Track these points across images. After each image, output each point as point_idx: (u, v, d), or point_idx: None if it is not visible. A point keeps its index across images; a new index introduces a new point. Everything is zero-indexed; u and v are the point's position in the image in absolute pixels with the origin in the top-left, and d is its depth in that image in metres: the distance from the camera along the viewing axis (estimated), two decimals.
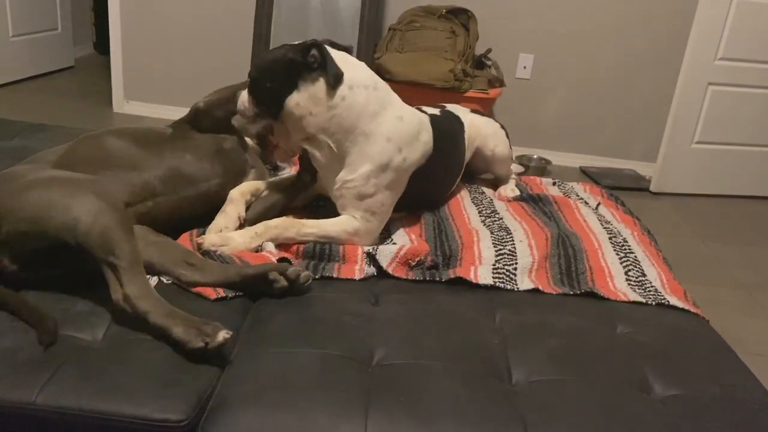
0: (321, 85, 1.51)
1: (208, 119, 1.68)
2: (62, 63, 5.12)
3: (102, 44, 5.49)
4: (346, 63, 1.56)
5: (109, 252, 1.20)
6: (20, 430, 1.07)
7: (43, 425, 1.05)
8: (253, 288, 1.37)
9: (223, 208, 1.61)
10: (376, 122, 1.56)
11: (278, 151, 1.75)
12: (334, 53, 1.55)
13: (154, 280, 1.36)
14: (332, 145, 1.57)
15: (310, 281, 1.39)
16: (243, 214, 1.63)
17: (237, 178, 1.69)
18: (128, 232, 1.23)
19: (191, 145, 1.62)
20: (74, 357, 1.12)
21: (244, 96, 1.59)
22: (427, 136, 1.68)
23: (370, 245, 1.60)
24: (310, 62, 1.50)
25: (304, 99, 1.52)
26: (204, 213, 1.61)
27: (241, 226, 1.60)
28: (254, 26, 3.59)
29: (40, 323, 1.17)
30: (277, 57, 1.54)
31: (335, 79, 1.51)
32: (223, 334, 1.13)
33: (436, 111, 1.92)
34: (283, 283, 1.35)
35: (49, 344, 1.14)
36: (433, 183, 1.81)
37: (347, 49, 1.66)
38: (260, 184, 1.70)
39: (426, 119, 1.73)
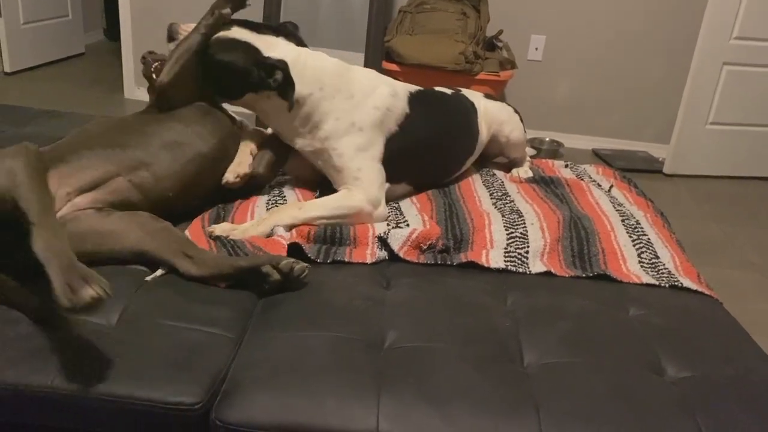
0: (274, 98, 1.61)
1: (180, 92, 1.60)
2: (73, 50, 5.13)
3: (112, 31, 5.50)
4: (295, 68, 1.59)
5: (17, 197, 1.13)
6: (38, 413, 1.08)
7: (60, 408, 1.07)
8: (248, 281, 1.35)
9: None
10: (325, 115, 1.64)
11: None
12: (288, 48, 1.63)
13: (159, 270, 1.37)
14: (278, 126, 1.70)
15: (306, 273, 1.35)
16: (255, 149, 1.71)
17: (235, 138, 1.70)
18: (33, 178, 1.17)
19: (176, 115, 1.59)
20: (89, 341, 1.13)
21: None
22: (388, 101, 1.70)
23: (374, 213, 1.63)
24: (270, 83, 1.58)
25: (260, 100, 1.63)
26: (214, 183, 1.62)
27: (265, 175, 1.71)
28: (264, 8, 3.58)
29: (24, 304, 1.18)
30: (241, 62, 1.59)
31: (290, 105, 1.60)
32: (90, 293, 1.00)
33: (446, 90, 1.96)
34: (276, 276, 1.32)
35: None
36: (430, 155, 1.83)
37: (299, 38, 1.71)
38: (263, 132, 1.80)
39: (400, 91, 1.76)
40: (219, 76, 1.62)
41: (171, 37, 1.67)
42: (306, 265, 1.36)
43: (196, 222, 1.56)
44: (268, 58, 1.58)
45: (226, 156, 1.65)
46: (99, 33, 5.83)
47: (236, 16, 1.65)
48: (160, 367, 1.10)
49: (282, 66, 1.57)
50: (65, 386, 1.05)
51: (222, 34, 1.61)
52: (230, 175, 1.64)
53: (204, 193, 1.62)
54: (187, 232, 1.49)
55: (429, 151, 1.81)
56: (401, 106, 1.73)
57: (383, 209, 1.67)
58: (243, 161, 1.67)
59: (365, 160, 1.65)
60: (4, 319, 1.17)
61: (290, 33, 1.70)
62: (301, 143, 1.69)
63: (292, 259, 1.34)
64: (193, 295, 1.30)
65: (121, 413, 1.06)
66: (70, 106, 3.69)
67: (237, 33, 1.62)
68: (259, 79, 1.58)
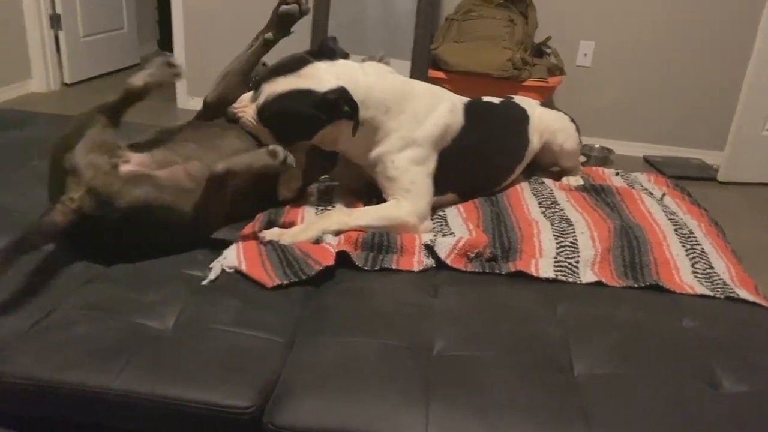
0: (341, 124, 1.59)
1: (218, 112, 1.69)
2: (129, 61, 5.30)
3: (165, 41, 5.65)
4: (357, 92, 1.57)
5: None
6: (95, 412, 1.12)
7: (116, 408, 1.10)
8: None
9: None
10: (390, 130, 1.64)
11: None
12: (340, 71, 1.58)
13: (218, 269, 1.40)
14: (346, 150, 1.69)
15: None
16: (303, 161, 1.73)
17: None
18: None
19: (221, 123, 1.68)
20: (147, 345, 1.17)
21: (249, 118, 1.60)
22: (448, 118, 1.70)
23: (419, 227, 1.64)
24: (339, 112, 1.55)
25: (326, 133, 1.62)
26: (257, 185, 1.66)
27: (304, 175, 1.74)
28: (313, 17, 3.63)
29: None
30: (302, 110, 1.55)
31: (356, 125, 1.56)
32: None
33: (495, 99, 1.94)
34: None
35: None
36: (478, 165, 1.82)
37: (341, 52, 1.69)
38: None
39: (457, 104, 1.76)
40: (288, 131, 1.60)
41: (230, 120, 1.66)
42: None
43: (248, 228, 1.59)
44: (324, 93, 1.54)
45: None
46: (153, 44, 6.01)
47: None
48: (213, 370, 1.13)
49: (342, 94, 1.54)
50: (123, 387, 1.09)
51: (268, 90, 1.57)
52: (285, 192, 1.69)
53: (248, 193, 1.65)
54: (239, 240, 1.53)
55: (477, 161, 1.82)
56: (458, 121, 1.74)
57: (429, 223, 1.69)
58: (293, 175, 1.71)
59: (419, 174, 1.66)
60: (65, 321, 1.23)
61: (331, 50, 1.65)
62: (361, 159, 1.70)
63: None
64: (245, 301, 1.33)
65: (176, 415, 1.09)
66: (127, 116, 3.81)
67: (280, 84, 1.56)
68: (326, 115, 1.56)
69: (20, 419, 1.17)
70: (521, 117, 1.96)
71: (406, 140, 1.65)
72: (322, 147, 1.69)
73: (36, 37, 4.36)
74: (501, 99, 1.98)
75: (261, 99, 1.58)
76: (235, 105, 1.62)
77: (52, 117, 2.39)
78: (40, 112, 2.53)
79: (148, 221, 1.41)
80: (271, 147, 1.43)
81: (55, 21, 4.45)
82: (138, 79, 1.49)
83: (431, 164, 1.69)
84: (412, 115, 1.65)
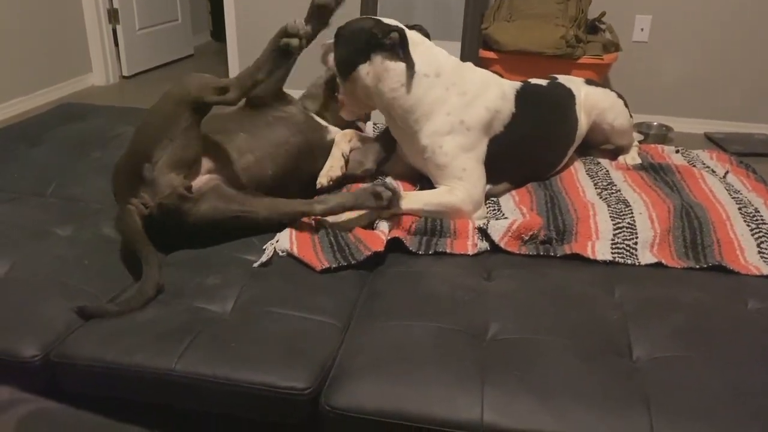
0: (390, 65, 1.60)
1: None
2: (183, 52, 5.41)
3: (218, 32, 5.74)
4: (416, 49, 1.61)
5: None
6: (158, 393, 1.16)
7: (179, 390, 1.14)
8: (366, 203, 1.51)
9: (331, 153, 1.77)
10: (437, 105, 1.62)
11: (345, 108, 1.80)
12: (410, 36, 1.62)
13: (270, 251, 1.44)
14: (397, 120, 1.66)
15: None
16: (347, 152, 1.77)
17: (318, 136, 1.78)
18: None
19: (269, 111, 1.74)
20: (207, 328, 1.21)
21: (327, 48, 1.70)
22: (498, 103, 1.68)
23: (473, 213, 1.62)
24: (386, 42, 1.58)
25: (373, 72, 1.62)
26: (303, 173, 1.71)
27: (347, 164, 1.76)
28: (360, 1, 3.63)
29: (149, 276, 1.31)
30: (362, 27, 1.63)
31: (409, 64, 1.59)
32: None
33: (541, 81, 1.90)
34: (388, 193, 1.49)
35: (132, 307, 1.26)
36: (531, 153, 1.79)
37: (426, 33, 1.74)
38: (356, 133, 1.83)
39: (508, 90, 1.73)
40: (341, 45, 1.65)
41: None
42: None
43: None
44: (386, 23, 1.62)
45: (311, 150, 1.73)
46: (206, 35, 6.12)
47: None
48: (271, 353, 1.15)
49: (398, 29, 1.60)
50: (184, 369, 1.13)
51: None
52: (323, 179, 1.69)
53: (296, 181, 1.68)
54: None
55: (530, 149, 1.77)
56: (509, 107, 1.70)
57: (483, 211, 1.66)
58: (335, 165, 1.72)
59: (470, 160, 1.64)
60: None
61: (420, 29, 1.73)
62: (407, 138, 1.68)
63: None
64: (301, 284, 1.35)
65: (235, 396, 1.12)
66: None
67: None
68: (376, 39, 1.59)
69: (87, 398, 1.22)
70: (568, 98, 1.91)
71: (454, 122, 1.62)
72: (366, 101, 1.70)
73: (95, 32, 4.50)
74: (547, 80, 1.93)
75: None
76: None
77: (112, 109, 2.46)
78: (101, 104, 2.61)
79: (218, 227, 1.46)
80: (378, 188, 1.49)
81: (113, 15, 4.58)
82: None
83: (481, 150, 1.66)
84: (461, 91, 1.63)
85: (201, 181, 1.48)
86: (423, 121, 1.63)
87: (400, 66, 1.59)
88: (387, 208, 1.52)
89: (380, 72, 1.61)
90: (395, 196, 1.51)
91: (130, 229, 1.41)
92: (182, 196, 1.41)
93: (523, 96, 1.74)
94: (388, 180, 1.52)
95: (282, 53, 1.44)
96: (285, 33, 1.43)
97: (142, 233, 1.39)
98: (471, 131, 1.63)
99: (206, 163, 1.51)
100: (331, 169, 1.71)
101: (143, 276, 1.32)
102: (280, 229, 1.52)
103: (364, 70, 1.62)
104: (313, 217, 1.56)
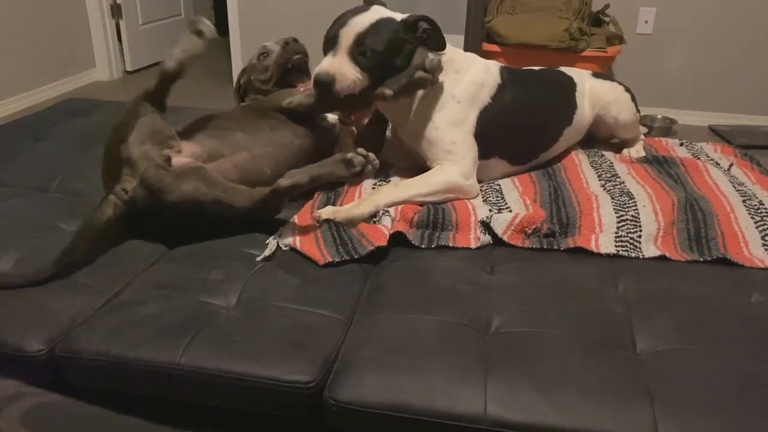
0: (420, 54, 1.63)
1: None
2: None
3: (221, 26, 5.73)
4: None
5: None
6: (163, 387, 1.17)
7: (184, 384, 1.15)
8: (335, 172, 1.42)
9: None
10: (437, 84, 1.66)
11: (357, 115, 1.82)
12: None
13: (273, 245, 1.44)
14: (405, 104, 1.68)
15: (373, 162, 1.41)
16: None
17: (325, 134, 1.79)
18: None
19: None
20: (211, 322, 1.21)
21: (346, 71, 1.56)
22: (482, 76, 1.71)
23: (465, 185, 1.65)
24: (420, 37, 1.60)
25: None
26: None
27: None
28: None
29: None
30: (395, 35, 1.59)
31: (443, 45, 1.62)
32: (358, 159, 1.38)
33: (535, 67, 1.95)
34: (360, 158, 1.39)
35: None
36: (521, 125, 1.80)
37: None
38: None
39: (491, 65, 1.77)
40: (387, 59, 1.59)
41: None
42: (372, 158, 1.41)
43: (306, 207, 1.62)
44: (402, 18, 1.60)
45: (316, 144, 1.74)
46: None
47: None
48: (276, 347, 1.16)
49: (420, 17, 1.60)
50: (189, 363, 1.13)
51: (352, 29, 1.55)
52: (328, 210, 1.68)
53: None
54: (296, 218, 1.56)
55: (520, 120, 1.79)
56: (493, 79, 1.74)
57: (475, 182, 1.70)
58: (347, 149, 1.74)
59: (459, 133, 1.67)
60: (135, 301, 1.28)
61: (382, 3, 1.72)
62: (402, 116, 1.71)
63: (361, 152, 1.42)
64: (304, 278, 1.35)
65: (239, 390, 1.13)
66: (185, 101, 3.89)
67: (362, 19, 1.57)
68: (411, 38, 1.60)
69: (92, 392, 1.23)
70: (564, 80, 1.93)
71: (446, 95, 1.66)
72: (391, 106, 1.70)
73: (98, 27, 4.50)
74: (541, 67, 1.98)
75: (348, 39, 1.55)
76: (321, 67, 1.55)
77: (115, 104, 2.47)
78: (104, 99, 2.62)
79: (198, 212, 1.45)
80: (349, 155, 1.41)
81: (116, 10, 4.58)
82: (170, 60, 1.53)
83: (470, 123, 1.69)
84: (455, 69, 1.68)
85: (182, 160, 1.49)
86: (419, 103, 1.67)
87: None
88: (359, 175, 1.41)
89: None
90: (368, 162, 1.40)
91: (89, 220, 1.41)
92: (159, 166, 1.42)
93: (508, 70, 1.80)
94: (360, 150, 1.42)
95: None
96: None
97: (95, 227, 1.40)
98: (461, 104, 1.68)
99: (192, 148, 1.53)
100: (345, 152, 1.73)
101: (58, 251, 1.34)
102: (284, 223, 1.52)
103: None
104: (315, 213, 1.56)
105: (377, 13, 1.61)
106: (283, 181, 1.43)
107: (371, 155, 1.41)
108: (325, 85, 1.56)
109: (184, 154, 1.51)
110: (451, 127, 1.67)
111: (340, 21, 1.60)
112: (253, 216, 1.48)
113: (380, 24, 1.58)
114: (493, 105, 1.72)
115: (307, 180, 1.42)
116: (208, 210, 1.44)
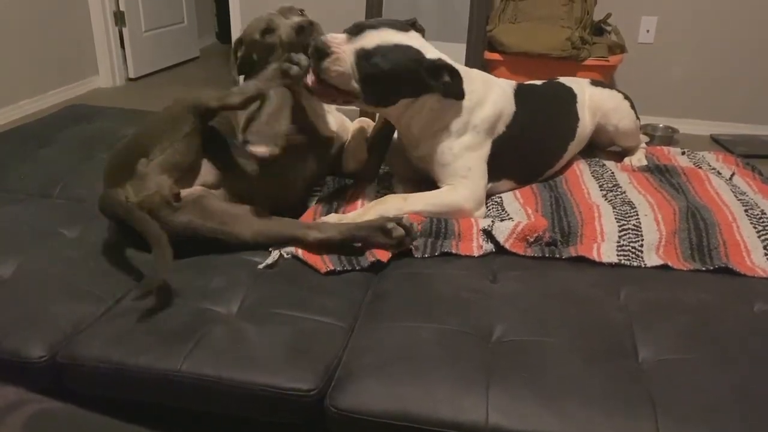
0: (435, 104, 1.59)
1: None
2: (189, 54, 5.42)
3: (224, 33, 5.76)
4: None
5: None
6: (163, 394, 1.17)
7: (185, 391, 1.14)
8: (372, 238, 1.45)
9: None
10: (456, 109, 1.62)
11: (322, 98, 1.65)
12: (436, 51, 1.57)
13: (275, 253, 1.43)
14: (413, 129, 1.65)
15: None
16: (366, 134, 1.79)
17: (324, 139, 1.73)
18: None
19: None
20: (213, 329, 1.21)
21: (346, 60, 1.48)
22: (500, 104, 1.68)
23: (475, 211, 1.63)
24: (437, 85, 1.54)
25: (415, 105, 1.59)
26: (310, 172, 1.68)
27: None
28: (366, 0, 3.63)
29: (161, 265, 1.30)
30: (412, 67, 1.51)
31: (462, 95, 1.58)
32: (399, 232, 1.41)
33: (537, 81, 1.92)
34: (400, 231, 1.43)
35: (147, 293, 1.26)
36: (531, 149, 1.80)
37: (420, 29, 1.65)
38: (369, 121, 1.84)
39: (507, 90, 1.73)
40: (389, 83, 1.52)
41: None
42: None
43: (308, 214, 1.62)
44: (432, 59, 1.53)
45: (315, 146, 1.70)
46: (212, 36, 6.13)
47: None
48: (277, 354, 1.15)
49: (447, 65, 1.54)
50: (190, 371, 1.13)
51: (378, 37, 1.49)
52: (352, 163, 1.75)
53: (299, 184, 1.67)
54: None
55: (530, 146, 1.78)
56: (510, 107, 1.71)
57: (483, 209, 1.67)
58: (359, 145, 1.75)
59: (474, 160, 1.65)
60: (135, 307, 1.27)
61: (420, 29, 1.63)
62: (416, 144, 1.68)
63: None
64: (306, 286, 1.35)
65: (241, 397, 1.12)
66: None
67: (392, 36, 1.50)
68: (428, 80, 1.53)
69: (93, 399, 1.22)
70: (567, 95, 1.92)
71: (466, 126, 1.63)
72: (393, 120, 1.68)
73: (101, 34, 4.51)
74: (543, 81, 1.95)
75: (369, 43, 1.48)
76: (328, 39, 1.48)
77: (119, 111, 2.47)
78: (107, 106, 2.62)
79: (196, 240, 1.43)
80: (390, 225, 1.43)
81: (119, 18, 4.59)
82: (253, 88, 1.45)
83: (485, 150, 1.67)
84: (471, 99, 1.63)
85: (188, 191, 1.46)
86: (437, 132, 1.64)
87: (447, 101, 1.59)
88: (396, 246, 1.45)
89: (422, 105, 1.59)
90: (410, 234, 1.45)
91: (124, 207, 1.38)
92: (166, 201, 1.40)
93: (520, 95, 1.75)
94: (404, 219, 1.45)
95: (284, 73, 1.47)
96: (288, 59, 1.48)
97: (138, 210, 1.37)
98: (479, 133, 1.65)
99: (209, 168, 1.49)
100: (358, 150, 1.75)
101: (154, 255, 1.30)
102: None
103: (402, 104, 1.58)
104: (318, 220, 1.56)
105: (410, 39, 1.53)
106: (313, 234, 1.44)
107: (415, 225, 1.46)
108: (319, 53, 1.49)
109: (199, 180, 1.48)
110: (467, 153, 1.64)
111: (376, 22, 1.54)
112: (253, 248, 1.45)
113: (404, 50, 1.50)
114: (507, 132, 1.70)
115: (339, 239, 1.44)
116: (206, 238, 1.43)
